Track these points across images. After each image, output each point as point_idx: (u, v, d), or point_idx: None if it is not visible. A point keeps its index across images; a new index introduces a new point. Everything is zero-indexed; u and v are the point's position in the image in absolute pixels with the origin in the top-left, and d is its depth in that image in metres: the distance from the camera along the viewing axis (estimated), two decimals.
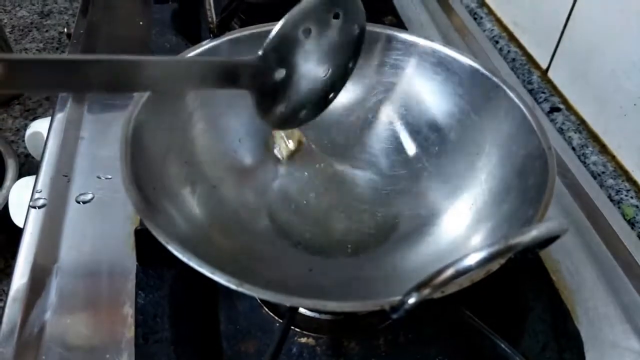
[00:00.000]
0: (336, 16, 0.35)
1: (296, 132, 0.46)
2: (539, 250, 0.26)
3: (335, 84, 0.38)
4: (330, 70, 0.37)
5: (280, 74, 0.34)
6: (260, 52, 0.32)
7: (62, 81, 0.27)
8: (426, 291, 0.24)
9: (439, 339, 0.39)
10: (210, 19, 0.42)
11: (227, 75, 0.32)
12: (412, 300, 0.24)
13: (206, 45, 0.42)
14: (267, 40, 0.32)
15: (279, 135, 0.46)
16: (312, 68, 0.36)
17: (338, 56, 0.37)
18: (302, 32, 0.33)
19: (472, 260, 0.23)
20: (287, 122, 0.38)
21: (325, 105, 0.39)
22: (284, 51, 0.33)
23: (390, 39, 0.45)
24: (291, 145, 0.45)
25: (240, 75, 0.32)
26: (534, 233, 0.22)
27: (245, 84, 0.32)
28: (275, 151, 0.46)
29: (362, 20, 0.37)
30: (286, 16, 0.32)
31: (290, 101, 0.36)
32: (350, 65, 0.39)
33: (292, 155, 0.46)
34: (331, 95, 0.39)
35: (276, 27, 0.32)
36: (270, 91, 0.34)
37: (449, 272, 0.23)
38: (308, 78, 0.36)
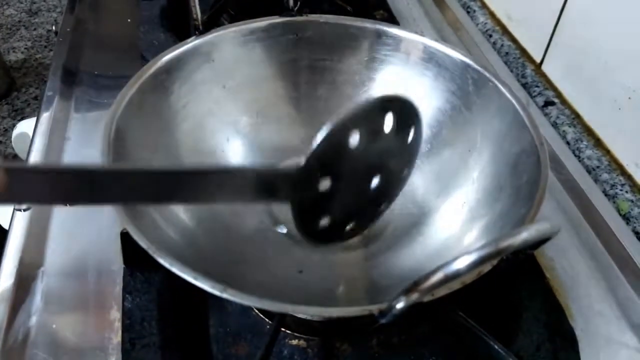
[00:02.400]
0: (389, 122, 0.31)
1: None
2: (530, 252, 0.25)
3: (387, 194, 0.34)
4: (381, 179, 0.33)
5: (325, 185, 0.30)
6: (302, 161, 0.28)
7: (80, 195, 0.24)
8: (414, 296, 0.23)
9: (432, 340, 0.38)
10: (194, 16, 0.41)
11: (265, 188, 0.28)
12: (400, 305, 0.24)
13: (191, 42, 0.41)
14: (311, 148, 0.28)
15: None
16: (361, 177, 0.32)
17: (391, 164, 0.33)
18: (350, 139, 0.29)
19: (461, 263, 0.22)
20: (331, 237, 0.33)
21: (376, 217, 0.35)
22: (329, 160, 0.29)
23: (379, 34, 0.44)
24: None
25: (279, 188, 0.28)
26: (524, 235, 0.22)
27: (285, 195, 0.29)
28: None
29: (418, 123, 0.33)
30: (333, 121, 0.28)
31: (336, 215, 0.32)
32: (405, 172, 0.34)
33: None
34: (383, 206, 0.34)
35: (321, 133, 0.28)
36: (312, 203, 0.30)
37: (438, 276, 0.23)
38: (356, 188, 0.32)
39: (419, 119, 0.33)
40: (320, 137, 0.28)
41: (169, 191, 0.26)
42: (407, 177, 0.34)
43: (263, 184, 0.28)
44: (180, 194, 0.26)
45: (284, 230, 0.40)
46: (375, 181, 0.32)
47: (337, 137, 0.29)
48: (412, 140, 0.33)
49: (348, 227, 0.33)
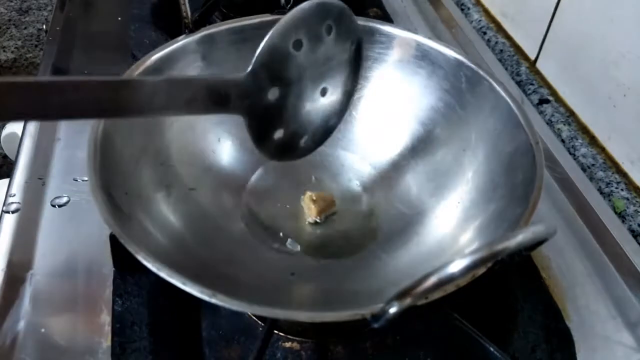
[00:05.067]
0: (329, 30, 0.32)
1: (327, 198, 0.43)
2: (526, 254, 0.25)
3: (335, 108, 0.35)
4: (328, 91, 0.34)
5: (274, 93, 0.31)
6: (249, 69, 0.29)
7: (34, 107, 0.23)
8: (408, 300, 0.23)
9: (427, 341, 0.38)
10: (184, 14, 0.40)
11: (215, 97, 0.28)
12: (393, 310, 0.23)
13: (180, 41, 0.40)
14: (256, 55, 0.29)
15: (307, 198, 0.42)
16: (308, 88, 0.32)
17: (335, 75, 0.34)
18: (292, 45, 0.30)
19: (455, 267, 0.22)
20: (286, 152, 0.34)
21: (328, 133, 0.36)
22: (275, 67, 0.30)
23: (372, 32, 0.44)
24: (313, 211, 0.42)
25: (230, 96, 0.29)
26: (519, 238, 0.21)
27: (236, 106, 0.29)
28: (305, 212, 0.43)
29: (357, 35, 0.34)
30: (274, 28, 0.29)
31: (288, 126, 0.32)
32: (350, 86, 0.35)
33: (319, 217, 0.42)
34: (333, 121, 0.35)
35: (264, 40, 0.29)
36: (264, 114, 0.31)
37: (432, 280, 0.22)
38: (305, 99, 0.33)
39: (358, 30, 0.34)
40: (263, 43, 0.29)
41: (118, 102, 0.26)
42: (353, 91, 0.36)
43: (213, 93, 0.28)
44: (130, 105, 0.26)
45: (297, 248, 0.40)
46: (322, 92, 0.33)
47: (279, 42, 0.30)
48: (353, 52, 0.34)
49: (302, 142, 0.34)
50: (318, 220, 0.42)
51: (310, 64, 0.32)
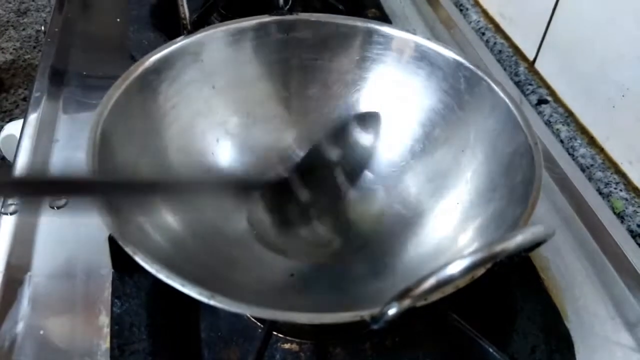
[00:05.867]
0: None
1: None
2: (525, 255, 0.25)
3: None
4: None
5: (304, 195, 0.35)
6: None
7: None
8: (407, 301, 0.23)
9: (426, 343, 0.38)
10: (183, 15, 0.40)
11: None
12: (392, 311, 0.23)
13: (179, 42, 0.40)
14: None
15: None
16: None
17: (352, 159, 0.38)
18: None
19: (454, 269, 0.22)
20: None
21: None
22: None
23: (371, 33, 0.44)
24: None
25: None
26: (518, 239, 0.21)
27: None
28: None
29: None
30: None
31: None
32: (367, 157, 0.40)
33: None
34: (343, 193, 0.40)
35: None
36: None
37: (431, 281, 0.22)
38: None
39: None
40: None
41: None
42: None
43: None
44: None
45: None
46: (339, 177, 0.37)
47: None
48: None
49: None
50: None
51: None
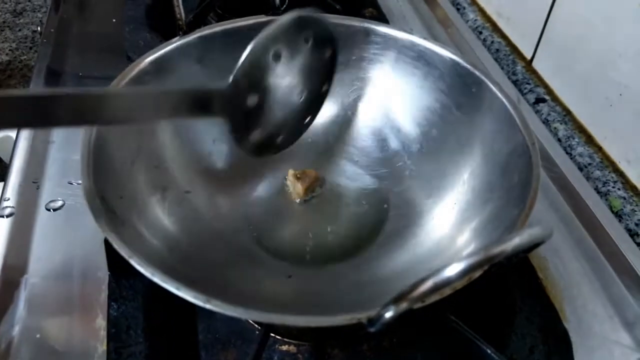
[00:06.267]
0: (306, 40, 0.34)
1: (311, 173, 0.44)
2: (523, 256, 0.24)
3: (310, 108, 0.38)
4: (304, 94, 0.36)
5: (253, 100, 0.33)
6: (230, 79, 0.31)
7: (24, 118, 0.25)
8: (404, 304, 0.23)
9: (424, 344, 0.38)
10: (178, 15, 0.40)
11: (199, 104, 0.31)
12: (389, 314, 0.23)
13: (174, 43, 0.40)
14: (237, 67, 0.31)
15: (291, 176, 0.44)
16: (285, 92, 0.35)
17: (311, 80, 0.36)
18: (272, 57, 0.33)
19: (451, 271, 0.22)
20: (264, 149, 0.37)
21: (302, 130, 0.39)
22: (255, 76, 0.32)
23: (368, 33, 0.44)
24: (299, 188, 0.43)
25: (212, 104, 0.31)
26: (516, 241, 0.21)
27: (218, 111, 0.32)
28: (290, 192, 0.44)
29: (333, 43, 0.36)
30: (254, 41, 0.31)
31: (266, 127, 0.35)
32: (325, 88, 0.38)
33: (306, 195, 0.43)
34: (307, 119, 0.38)
35: (245, 53, 0.31)
36: (244, 118, 0.33)
37: (428, 284, 0.22)
38: (282, 103, 0.35)
39: (333, 38, 0.36)
40: (244, 56, 0.31)
41: (101, 114, 0.28)
42: (327, 92, 0.38)
43: (197, 101, 0.31)
44: (114, 115, 0.28)
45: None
46: (298, 96, 0.36)
47: (259, 55, 0.32)
48: (328, 58, 0.36)
49: (279, 140, 0.37)
50: (306, 199, 0.42)
51: (288, 72, 0.34)
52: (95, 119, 0.28)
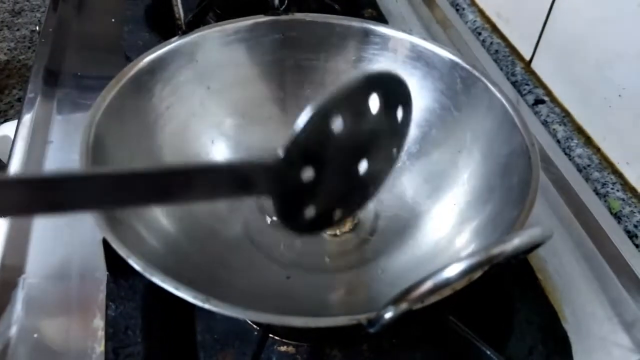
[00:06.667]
0: (375, 101, 0.28)
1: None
2: (522, 257, 0.24)
3: (376, 177, 0.31)
4: (369, 163, 0.30)
5: (308, 174, 0.27)
6: (281, 152, 0.25)
7: (47, 203, 0.22)
8: (404, 305, 0.23)
9: (423, 345, 0.38)
10: (177, 15, 0.40)
11: (241, 183, 0.26)
12: (389, 315, 0.23)
13: (173, 43, 0.40)
14: (290, 137, 0.25)
15: None
16: (346, 163, 0.29)
17: (379, 146, 0.30)
18: (334, 124, 0.26)
19: (451, 272, 0.21)
20: (318, 227, 0.31)
21: (365, 202, 0.32)
22: (311, 149, 0.26)
23: (367, 33, 0.43)
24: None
25: (257, 181, 0.26)
26: (516, 242, 0.21)
27: (265, 190, 0.26)
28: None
29: (407, 100, 0.30)
30: (313, 106, 0.25)
31: (321, 203, 0.29)
32: (395, 153, 0.31)
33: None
34: (371, 190, 0.32)
35: (300, 121, 0.25)
36: (295, 195, 0.28)
37: (427, 285, 0.22)
38: (342, 175, 0.29)
39: (408, 95, 0.30)
40: (300, 123, 0.25)
41: (142, 194, 0.24)
42: (397, 158, 0.32)
43: (239, 180, 0.25)
44: (153, 196, 0.24)
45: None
46: (362, 165, 0.30)
47: (318, 123, 0.26)
48: (402, 119, 0.30)
49: (335, 216, 0.30)
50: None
51: (352, 139, 0.28)
52: (124, 202, 0.24)
